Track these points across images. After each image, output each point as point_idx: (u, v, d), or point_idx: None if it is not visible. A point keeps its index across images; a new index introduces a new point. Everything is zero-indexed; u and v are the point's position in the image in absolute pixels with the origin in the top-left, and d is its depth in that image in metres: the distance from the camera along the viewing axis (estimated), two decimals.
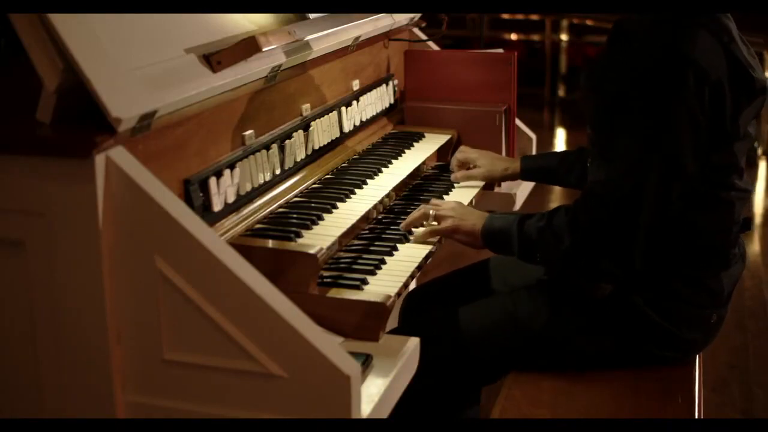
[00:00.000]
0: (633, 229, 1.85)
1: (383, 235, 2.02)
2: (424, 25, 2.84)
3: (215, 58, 1.68)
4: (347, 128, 2.32)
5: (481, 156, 2.41)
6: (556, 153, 2.44)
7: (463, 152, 2.43)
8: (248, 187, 1.83)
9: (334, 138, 2.24)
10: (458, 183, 2.40)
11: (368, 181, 2.13)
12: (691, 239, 1.93)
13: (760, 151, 6.20)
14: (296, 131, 2.05)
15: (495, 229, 1.98)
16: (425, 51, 2.79)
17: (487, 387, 2.24)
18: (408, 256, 1.91)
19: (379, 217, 2.14)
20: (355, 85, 2.42)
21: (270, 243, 1.71)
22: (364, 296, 1.68)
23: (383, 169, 2.23)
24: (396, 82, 2.67)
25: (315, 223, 1.84)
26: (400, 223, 2.07)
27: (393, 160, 2.30)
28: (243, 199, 1.81)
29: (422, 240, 1.99)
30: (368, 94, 2.46)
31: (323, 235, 1.79)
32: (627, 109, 1.86)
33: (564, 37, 7.86)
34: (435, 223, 2.01)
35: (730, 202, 1.95)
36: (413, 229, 2.03)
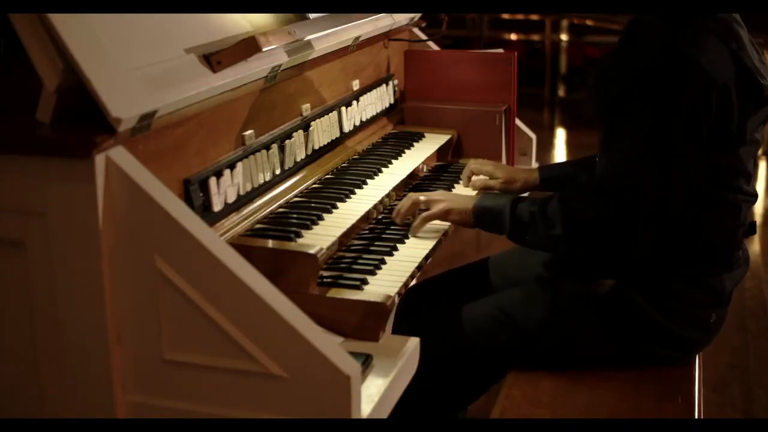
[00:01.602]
0: (629, 225, 1.85)
1: (383, 235, 2.02)
2: (424, 25, 2.84)
3: (215, 58, 1.68)
4: (347, 128, 2.32)
5: (498, 168, 2.39)
6: (572, 161, 2.44)
7: (478, 165, 2.39)
8: (248, 187, 1.83)
9: (334, 138, 2.24)
10: (476, 190, 2.36)
11: (368, 181, 2.13)
12: (695, 239, 1.93)
13: (760, 151, 6.21)
14: (296, 131, 2.05)
15: (487, 207, 2.02)
16: (425, 51, 2.79)
17: None
18: (408, 256, 1.91)
19: (379, 217, 2.14)
20: (355, 85, 2.42)
21: (270, 243, 1.71)
22: (364, 296, 1.68)
23: (383, 169, 2.23)
24: (396, 82, 2.67)
25: (315, 223, 1.84)
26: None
27: (393, 160, 2.30)
28: (243, 199, 1.81)
29: (418, 229, 2.01)
30: (368, 94, 2.46)
31: (323, 235, 1.79)
32: (630, 108, 1.86)
33: (564, 37, 7.86)
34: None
35: (735, 204, 1.95)
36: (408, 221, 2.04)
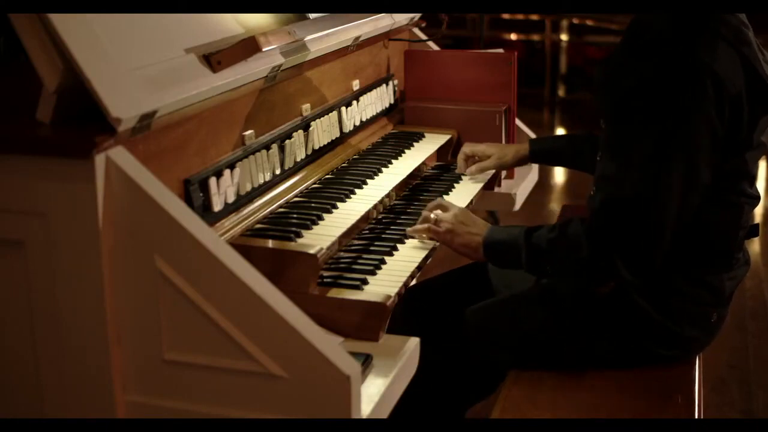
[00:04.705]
0: (650, 234, 1.84)
1: (383, 235, 2.02)
2: (424, 25, 2.84)
3: (215, 58, 1.68)
4: (347, 128, 2.32)
5: (489, 147, 2.45)
6: (565, 135, 2.46)
7: (470, 146, 2.45)
8: (248, 187, 1.83)
9: (334, 138, 2.24)
10: (472, 176, 2.41)
11: (368, 181, 2.13)
12: (696, 239, 1.93)
13: None
14: (296, 131, 2.05)
15: (498, 241, 1.96)
16: (425, 51, 2.79)
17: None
18: (408, 256, 1.91)
19: (379, 217, 2.14)
20: (355, 85, 2.42)
21: (270, 243, 1.71)
22: (364, 296, 1.68)
23: (383, 169, 2.23)
24: (396, 82, 2.68)
25: (315, 223, 1.84)
26: (401, 223, 2.07)
27: (393, 160, 2.30)
28: (243, 199, 1.81)
29: (417, 233, 1.99)
30: (368, 94, 2.47)
31: (323, 235, 1.79)
32: (641, 115, 1.84)
33: (564, 37, 7.86)
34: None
35: (738, 206, 1.94)
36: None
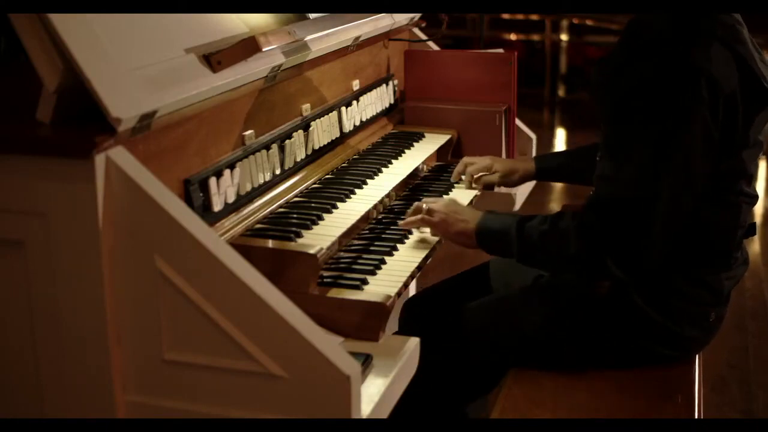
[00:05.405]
0: (642, 234, 1.84)
1: (383, 235, 2.02)
2: (424, 25, 2.84)
3: (215, 58, 1.68)
4: (347, 128, 2.32)
5: (495, 161, 2.41)
6: (569, 151, 2.44)
7: (473, 164, 2.40)
8: (248, 187, 1.83)
9: (334, 138, 2.24)
10: (478, 191, 2.37)
11: (368, 181, 2.13)
12: (695, 239, 1.93)
13: None
14: (296, 131, 2.05)
15: (491, 229, 1.97)
16: (425, 51, 2.79)
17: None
18: (408, 257, 1.91)
19: (379, 217, 2.14)
20: (355, 85, 2.42)
21: (270, 243, 1.71)
22: (364, 296, 1.68)
23: (383, 169, 2.23)
24: (396, 82, 2.67)
25: (315, 223, 1.84)
26: (400, 223, 2.07)
27: (393, 160, 2.30)
28: (243, 199, 1.81)
29: (410, 225, 1.99)
30: (368, 94, 2.46)
31: (323, 235, 1.79)
32: (639, 118, 1.84)
33: (564, 37, 7.86)
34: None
35: (736, 205, 1.94)
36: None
